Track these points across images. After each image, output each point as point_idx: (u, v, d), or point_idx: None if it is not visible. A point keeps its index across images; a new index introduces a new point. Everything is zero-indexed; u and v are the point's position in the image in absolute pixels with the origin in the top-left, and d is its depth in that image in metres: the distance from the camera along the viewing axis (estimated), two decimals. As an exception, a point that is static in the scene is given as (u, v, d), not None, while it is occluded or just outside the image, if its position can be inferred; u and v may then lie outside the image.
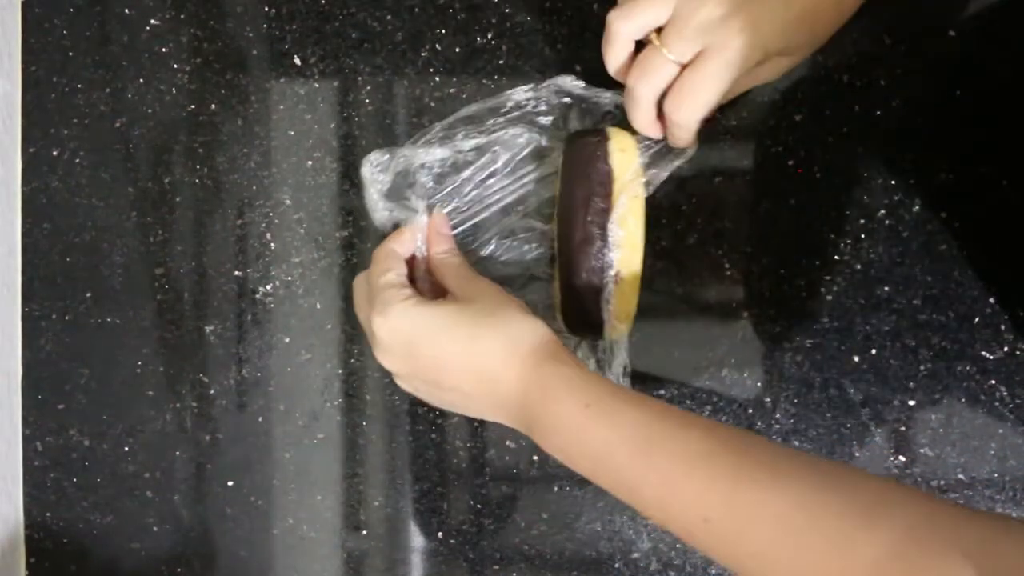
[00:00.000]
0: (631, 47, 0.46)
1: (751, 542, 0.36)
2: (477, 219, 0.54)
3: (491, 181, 0.54)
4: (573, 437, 0.41)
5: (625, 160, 0.49)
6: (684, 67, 0.44)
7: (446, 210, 0.53)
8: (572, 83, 0.52)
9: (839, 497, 0.35)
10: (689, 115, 0.45)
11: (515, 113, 0.53)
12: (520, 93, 0.53)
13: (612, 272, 0.49)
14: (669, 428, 0.39)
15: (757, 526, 0.36)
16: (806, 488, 0.36)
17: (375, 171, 0.54)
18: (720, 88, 0.44)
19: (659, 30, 0.44)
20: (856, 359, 0.53)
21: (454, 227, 0.53)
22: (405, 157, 0.54)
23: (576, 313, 0.51)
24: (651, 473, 0.39)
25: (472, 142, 0.53)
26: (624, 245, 0.49)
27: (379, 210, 0.54)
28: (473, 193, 0.54)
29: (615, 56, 0.47)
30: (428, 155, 0.54)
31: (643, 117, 0.47)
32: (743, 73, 0.44)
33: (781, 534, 0.35)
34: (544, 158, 0.54)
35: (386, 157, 0.54)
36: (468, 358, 0.44)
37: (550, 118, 0.53)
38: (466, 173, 0.54)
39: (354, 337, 0.56)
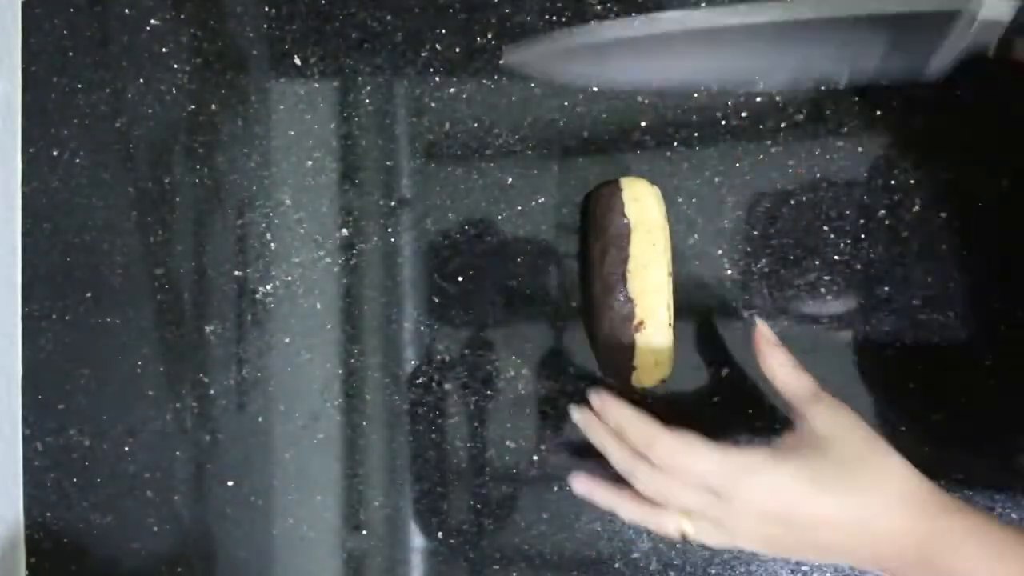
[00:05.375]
0: None
1: None
2: None
3: None
4: None
5: (640, 210, 0.50)
6: None
7: None
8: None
9: None
10: None
11: None
12: None
13: (635, 322, 0.50)
14: None
15: None
16: None
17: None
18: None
19: None
20: (856, 359, 0.53)
21: None
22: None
23: (605, 362, 0.52)
24: None
25: None
26: (645, 294, 0.50)
27: None
28: None
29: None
30: None
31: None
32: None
33: None
34: None
35: None
36: (847, 512, 0.41)
37: None
38: None
39: (354, 337, 0.56)
